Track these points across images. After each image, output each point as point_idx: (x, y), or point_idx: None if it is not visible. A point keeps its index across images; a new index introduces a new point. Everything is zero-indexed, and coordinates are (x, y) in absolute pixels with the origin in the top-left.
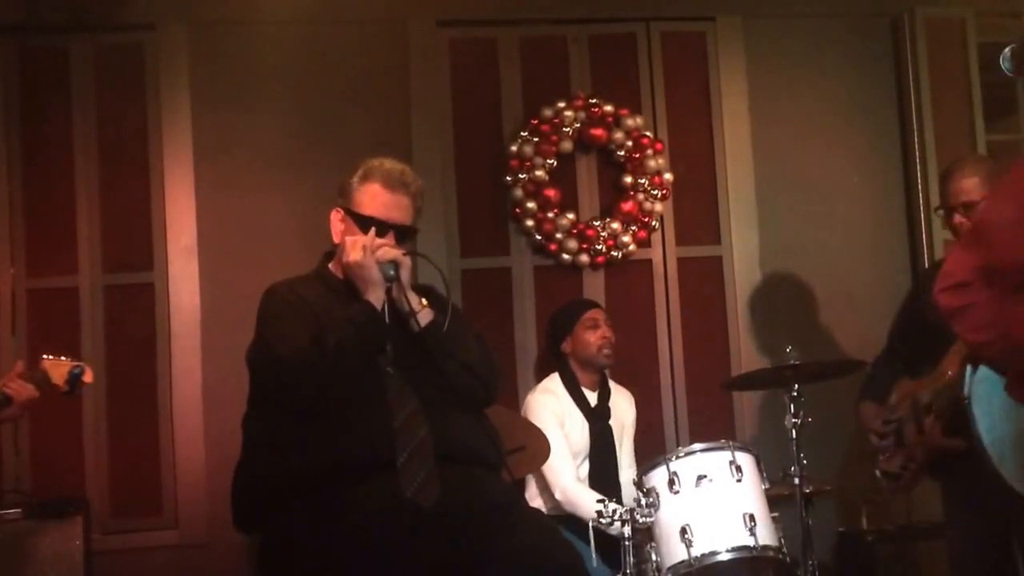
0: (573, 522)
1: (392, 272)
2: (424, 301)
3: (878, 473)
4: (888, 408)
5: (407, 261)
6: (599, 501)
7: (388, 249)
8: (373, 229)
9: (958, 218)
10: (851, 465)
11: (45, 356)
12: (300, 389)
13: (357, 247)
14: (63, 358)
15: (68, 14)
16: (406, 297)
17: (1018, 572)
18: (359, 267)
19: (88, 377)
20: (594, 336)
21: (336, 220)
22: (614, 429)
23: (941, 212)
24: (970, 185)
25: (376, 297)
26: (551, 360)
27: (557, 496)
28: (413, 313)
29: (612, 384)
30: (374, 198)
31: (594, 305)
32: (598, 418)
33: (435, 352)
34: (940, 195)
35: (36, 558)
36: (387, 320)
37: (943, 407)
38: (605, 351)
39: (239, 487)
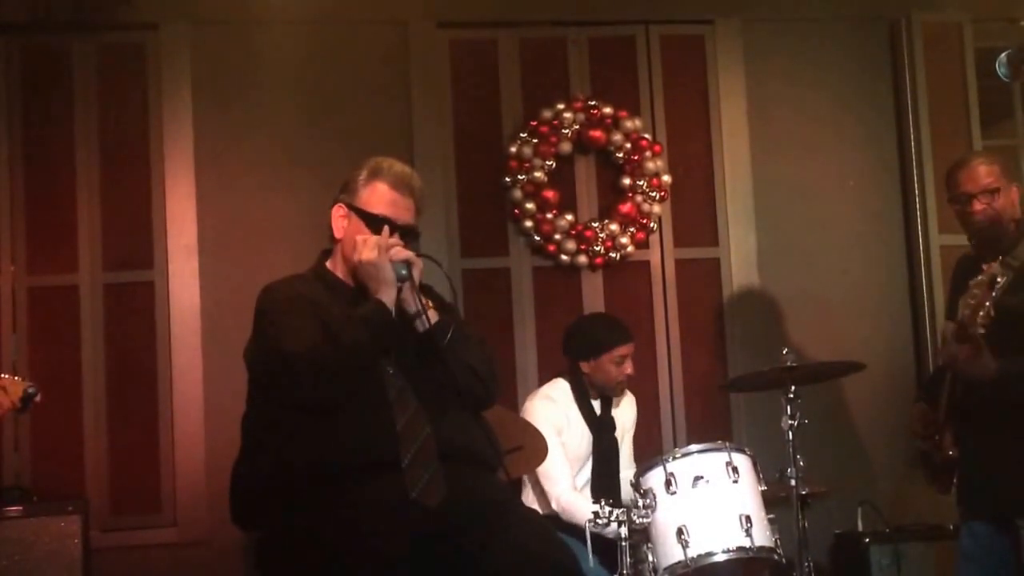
0: (570, 524)
1: (404, 272)
2: (430, 302)
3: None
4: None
5: (419, 262)
6: (595, 503)
7: (401, 249)
8: (386, 228)
9: (979, 204)
10: (847, 467)
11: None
12: (311, 386)
13: (370, 246)
14: (17, 378)
15: (70, 13)
16: (417, 297)
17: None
18: (373, 266)
19: (39, 398)
20: (617, 371)
21: (339, 216)
22: (617, 438)
23: (958, 205)
24: (987, 171)
25: (388, 297)
26: (560, 362)
27: (553, 505)
28: (422, 312)
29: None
30: (382, 197)
31: (628, 339)
32: (603, 429)
33: (440, 352)
34: (952, 187)
35: (35, 555)
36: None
37: (946, 415)
38: (622, 386)
39: (237, 484)
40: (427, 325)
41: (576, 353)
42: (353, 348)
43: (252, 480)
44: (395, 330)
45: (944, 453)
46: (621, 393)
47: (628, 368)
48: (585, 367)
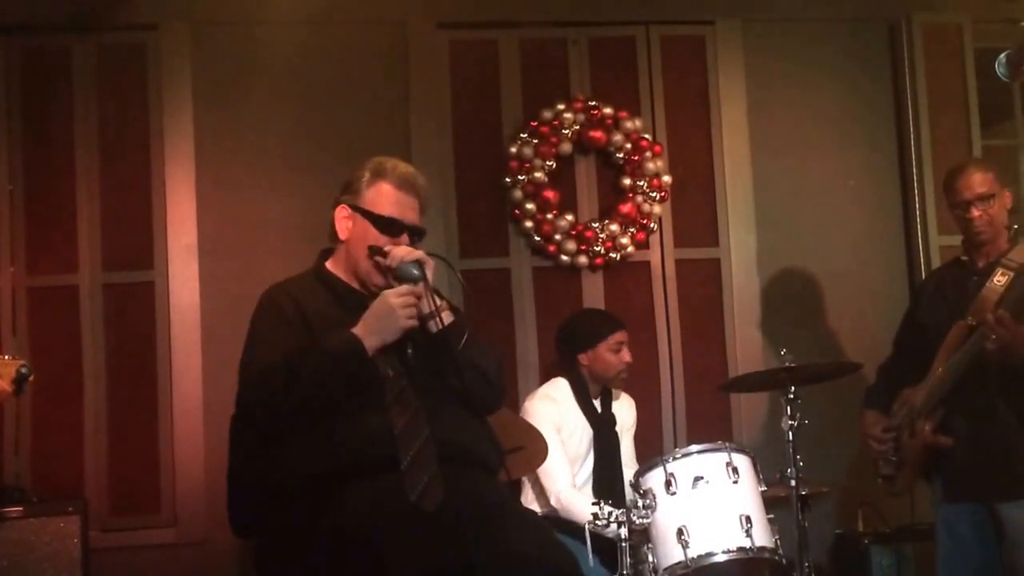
0: (569, 525)
1: (417, 272)
2: (444, 303)
3: (879, 480)
4: (891, 416)
5: (431, 260)
6: (594, 503)
7: (410, 249)
8: (406, 242)
9: (976, 211)
10: (847, 467)
11: None
12: (255, 412)
13: (404, 293)
14: (7, 357)
15: (70, 14)
16: (430, 296)
17: (1004, 563)
18: (389, 308)
19: (33, 377)
20: (616, 359)
21: (342, 217)
22: (617, 433)
23: (957, 211)
24: (982, 179)
25: (377, 341)
26: (558, 363)
27: (552, 503)
28: (436, 312)
29: (612, 388)
30: (387, 198)
31: (621, 326)
32: (603, 425)
33: (452, 353)
34: (950, 194)
35: (35, 555)
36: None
37: (933, 405)
38: (623, 375)
39: (235, 492)
40: (440, 326)
41: (573, 347)
42: (312, 380)
43: (249, 486)
44: (367, 370)
45: (922, 439)
46: (622, 383)
47: (626, 355)
48: (584, 359)
